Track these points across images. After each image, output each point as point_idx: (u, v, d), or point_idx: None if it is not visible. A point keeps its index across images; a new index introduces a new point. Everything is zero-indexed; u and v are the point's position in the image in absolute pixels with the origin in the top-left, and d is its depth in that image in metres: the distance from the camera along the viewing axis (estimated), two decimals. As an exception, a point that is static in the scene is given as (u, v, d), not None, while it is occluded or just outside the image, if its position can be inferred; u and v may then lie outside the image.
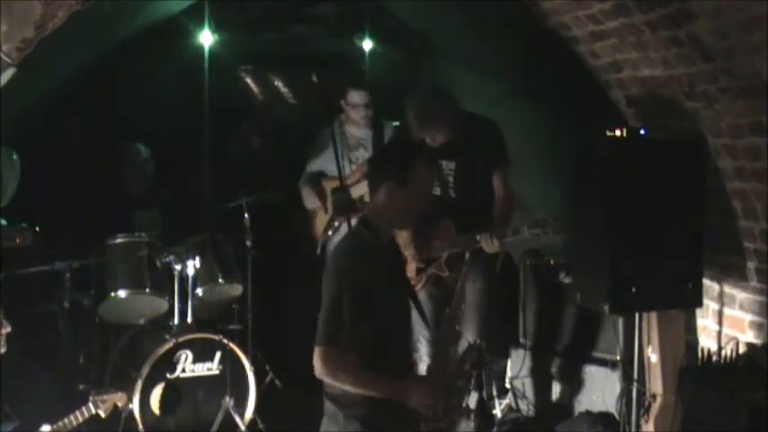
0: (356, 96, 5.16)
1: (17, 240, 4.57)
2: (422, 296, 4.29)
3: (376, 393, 2.85)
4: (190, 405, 4.71)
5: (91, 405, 3.84)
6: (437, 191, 4.55)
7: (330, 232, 5.18)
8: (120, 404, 3.99)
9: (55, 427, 3.74)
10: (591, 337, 4.84)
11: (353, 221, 5.01)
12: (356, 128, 5.20)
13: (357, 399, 2.89)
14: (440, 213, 4.48)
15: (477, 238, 4.26)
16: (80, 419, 3.79)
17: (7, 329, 3.70)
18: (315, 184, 5.22)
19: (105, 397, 3.88)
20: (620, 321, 4.43)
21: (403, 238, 4.38)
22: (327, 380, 2.87)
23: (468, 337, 4.53)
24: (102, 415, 3.89)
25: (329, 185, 5.19)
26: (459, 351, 3.24)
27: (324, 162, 5.20)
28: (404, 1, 6.04)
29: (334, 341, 2.80)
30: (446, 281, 4.54)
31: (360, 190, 5.04)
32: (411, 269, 4.57)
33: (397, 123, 5.20)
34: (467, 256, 3.90)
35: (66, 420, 3.76)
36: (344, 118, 5.27)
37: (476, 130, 4.56)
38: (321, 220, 5.24)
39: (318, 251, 5.19)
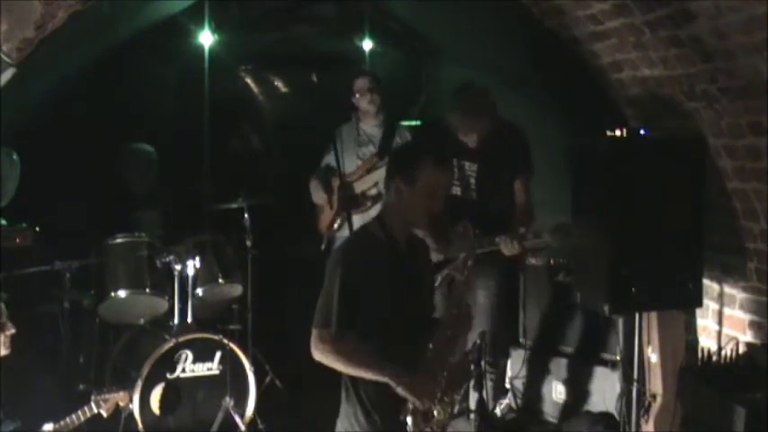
0: (360, 82, 5.19)
1: (17, 240, 4.56)
2: (437, 297, 4.26)
3: (372, 376, 2.92)
4: (190, 405, 4.71)
5: (93, 405, 3.84)
6: (458, 191, 4.54)
7: (335, 227, 5.21)
8: (121, 404, 4.00)
9: (57, 426, 3.74)
10: (591, 337, 4.84)
11: (354, 217, 5.07)
12: (368, 125, 5.21)
13: (359, 394, 2.97)
14: (460, 214, 4.46)
15: (497, 240, 4.21)
16: (82, 419, 3.80)
17: (12, 331, 3.71)
18: (323, 179, 5.24)
19: (107, 396, 3.89)
20: (620, 321, 4.43)
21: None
22: (322, 361, 2.96)
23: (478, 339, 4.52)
24: (104, 414, 3.89)
25: (336, 181, 5.22)
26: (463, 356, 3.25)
27: (332, 158, 5.24)
28: (404, 1, 6.05)
29: (325, 325, 2.93)
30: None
31: (363, 185, 5.06)
32: None
33: (413, 123, 5.23)
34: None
35: (68, 420, 3.76)
36: (358, 115, 5.30)
37: (503, 135, 4.53)
38: (327, 216, 5.26)
39: (323, 246, 5.20)
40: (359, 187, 5.07)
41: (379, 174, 5.12)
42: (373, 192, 5.05)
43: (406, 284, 3.05)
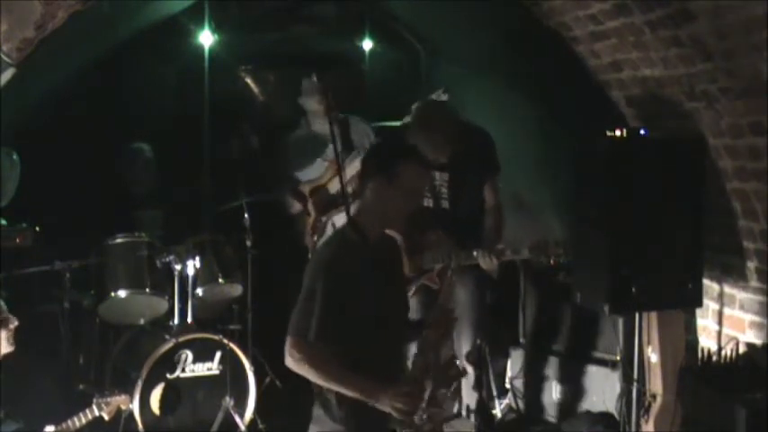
0: (304, 84, 5.17)
1: (17, 240, 4.56)
2: (412, 303, 4.21)
3: (346, 391, 2.87)
4: (190, 405, 4.71)
5: (95, 407, 3.85)
6: (429, 202, 4.52)
7: (315, 236, 5.19)
8: (123, 407, 4.01)
9: (59, 428, 3.74)
10: (591, 336, 4.84)
11: (333, 218, 5.04)
12: (319, 125, 5.18)
13: (336, 399, 2.93)
14: (433, 225, 4.45)
15: (474, 254, 4.19)
16: (83, 421, 3.80)
17: (15, 323, 3.70)
18: (290, 192, 5.25)
19: (109, 399, 3.89)
20: (620, 321, 4.43)
21: None
22: (296, 370, 2.92)
23: (463, 345, 4.52)
24: (106, 418, 3.90)
25: (307, 188, 5.22)
26: (451, 356, 3.23)
27: (298, 166, 5.23)
28: (404, 1, 6.05)
29: (302, 333, 2.87)
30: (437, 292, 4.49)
31: (336, 185, 5.02)
32: None
33: (396, 123, 5.19)
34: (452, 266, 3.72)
35: (69, 422, 3.77)
36: (308, 118, 5.29)
37: (469, 141, 4.52)
38: (308, 223, 5.26)
39: (310, 255, 5.19)
40: (334, 188, 5.04)
41: (353, 168, 4.99)
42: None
43: (384, 285, 3.04)
